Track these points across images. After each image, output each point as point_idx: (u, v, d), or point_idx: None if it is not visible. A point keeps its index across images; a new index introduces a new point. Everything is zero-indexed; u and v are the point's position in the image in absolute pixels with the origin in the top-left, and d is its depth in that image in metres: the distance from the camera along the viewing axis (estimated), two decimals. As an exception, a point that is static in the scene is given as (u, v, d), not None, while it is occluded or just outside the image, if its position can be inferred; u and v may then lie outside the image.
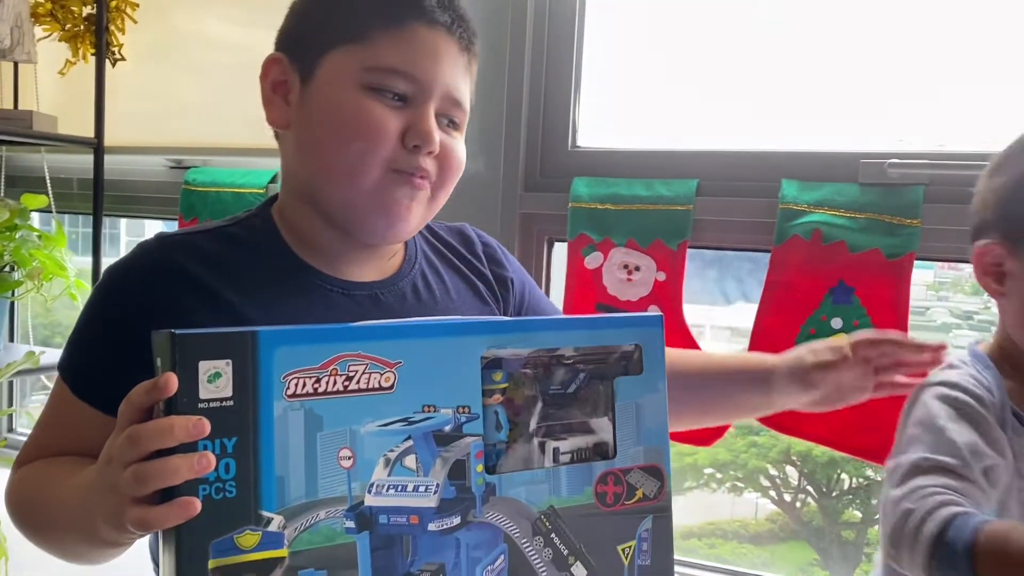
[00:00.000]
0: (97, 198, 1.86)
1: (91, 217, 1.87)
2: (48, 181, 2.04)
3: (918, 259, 1.23)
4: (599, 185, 1.43)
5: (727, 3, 1.48)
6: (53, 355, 1.79)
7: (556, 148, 1.52)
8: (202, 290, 0.80)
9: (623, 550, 0.73)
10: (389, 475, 0.64)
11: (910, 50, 1.34)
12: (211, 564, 0.57)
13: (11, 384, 2.28)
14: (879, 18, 1.36)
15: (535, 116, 1.53)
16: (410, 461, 0.64)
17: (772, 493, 2.18)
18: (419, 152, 0.82)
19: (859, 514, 2.07)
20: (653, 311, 1.39)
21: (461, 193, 1.52)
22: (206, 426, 0.57)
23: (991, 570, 0.72)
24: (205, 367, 0.58)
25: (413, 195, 0.84)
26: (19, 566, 1.66)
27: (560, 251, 1.53)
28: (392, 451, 0.64)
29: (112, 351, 0.78)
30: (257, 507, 0.59)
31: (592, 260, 1.42)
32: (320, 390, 0.61)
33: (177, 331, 0.58)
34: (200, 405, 0.58)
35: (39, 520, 0.77)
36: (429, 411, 0.65)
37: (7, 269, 1.78)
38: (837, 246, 1.27)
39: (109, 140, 1.86)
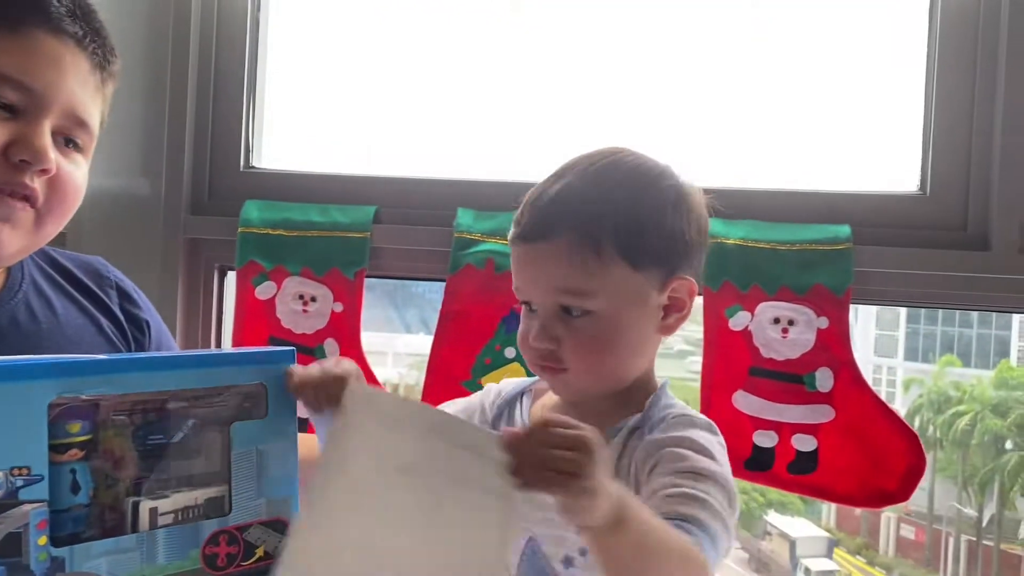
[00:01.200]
0: None
1: None
2: None
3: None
4: (272, 209, 1.32)
5: (408, 24, 1.45)
6: None
7: (227, 168, 1.40)
8: None
9: None
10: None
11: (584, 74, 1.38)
12: None
13: None
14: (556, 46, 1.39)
15: (203, 131, 1.39)
16: (-61, 541, 0.51)
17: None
18: (26, 169, 0.71)
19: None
20: (329, 347, 1.31)
21: (117, 215, 1.37)
22: None
23: None
24: None
25: (11, 216, 0.72)
26: None
27: (233, 280, 1.40)
28: (-89, 530, 0.50)
29: None
30: None
31: (264, 290, 1.31)
32: None
33: None
34: None
35: None
36: (-30, 476, 0.52)
37: None
38: (509, 275, 1.26)
39: None
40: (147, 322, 0.92)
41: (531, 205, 0.84)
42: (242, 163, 1.41)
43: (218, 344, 1.41)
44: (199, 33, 1.38)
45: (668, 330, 0.85)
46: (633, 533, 0.65)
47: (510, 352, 1.26)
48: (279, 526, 0.65)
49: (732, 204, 1.04)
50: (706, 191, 0.89)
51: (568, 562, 0.80)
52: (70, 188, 0.76)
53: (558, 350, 0.82)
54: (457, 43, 1.43)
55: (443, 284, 1.30)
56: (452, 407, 0.95)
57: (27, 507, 0.53)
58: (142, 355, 0.60)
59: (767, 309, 1.17)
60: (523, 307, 0.87)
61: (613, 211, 0.80)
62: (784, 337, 1.16)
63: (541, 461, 0.60)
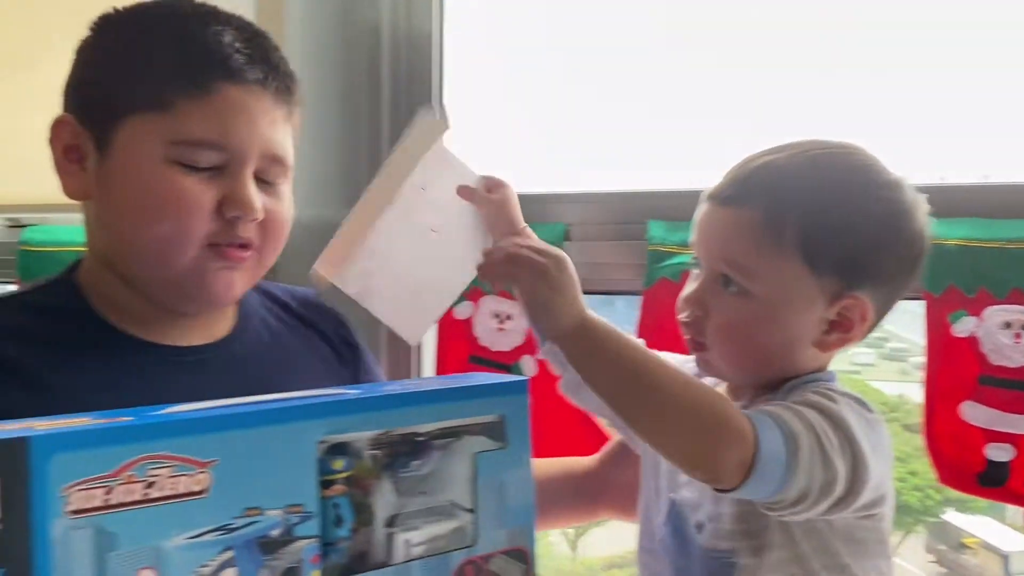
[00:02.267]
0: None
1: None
2: None
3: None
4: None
5: (587, 39, 1.44)
6: None
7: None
8: (5, 366, 0.69)
9: None
10: (203, 596, 0.53)
11: (771, 79, 1.33)
12: None
13: None
14: (753, 36, 1.35)
15: (397, 161, 1.44)
16: (229, 575, 0.54)
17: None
18: (239, 222, 0.74)
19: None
20: (526, 363, 1.32)
21: (321, 245, 1.45)
22: None
23: None
24: None
25: (237, 265, 0.76)
26: None
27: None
28: (206, 566, 0.53)
29: None
30: None
31: (462, 310, 1.34)
32: (112, 502, 0.51)
33: None
34: None
35: None
36: (252, 515, 0.55)
37: None
38: (707, 286, 1.23)
39: (-64, 201, 1.68)
40: (358, 346, 0.96)
41: (735, 168, 0.81)
42: (433, 188, 1.44)
43: (419, 368, 1.45)
44: (389, 65, 1.44)
45: (825, 347, 0.79)
46: (606, 351, 0.72)
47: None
48: (519, 555, 0.66)
49: (948, 201, 0.97)
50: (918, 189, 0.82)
51: (699, 527, 0.79)
52: (279, 223, 0.80)
53: (703, 321, 0.79)
54: (640, 48, 1.41)
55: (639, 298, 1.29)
56: None
57: (302, 543, 0.56)
58: (395, 392, 0.61)
59: (996, 313, 1.08)
60: (691, 271, 0.85)
61: (810, 201, 0.76)
62: (1017, 343, 1.06)
63: (515, 256, 0.74)
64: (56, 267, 1.61)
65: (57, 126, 0.76)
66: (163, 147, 0.71)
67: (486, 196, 0.95)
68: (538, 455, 0.69)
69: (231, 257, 0.75)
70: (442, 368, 1.37)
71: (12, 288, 1.66)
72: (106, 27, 0.77)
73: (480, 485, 0.64)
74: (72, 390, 0.71)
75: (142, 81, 0.72)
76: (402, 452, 0.62)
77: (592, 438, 1.30)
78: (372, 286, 0.93)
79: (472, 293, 1.33)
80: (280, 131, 0.77)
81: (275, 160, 0.77)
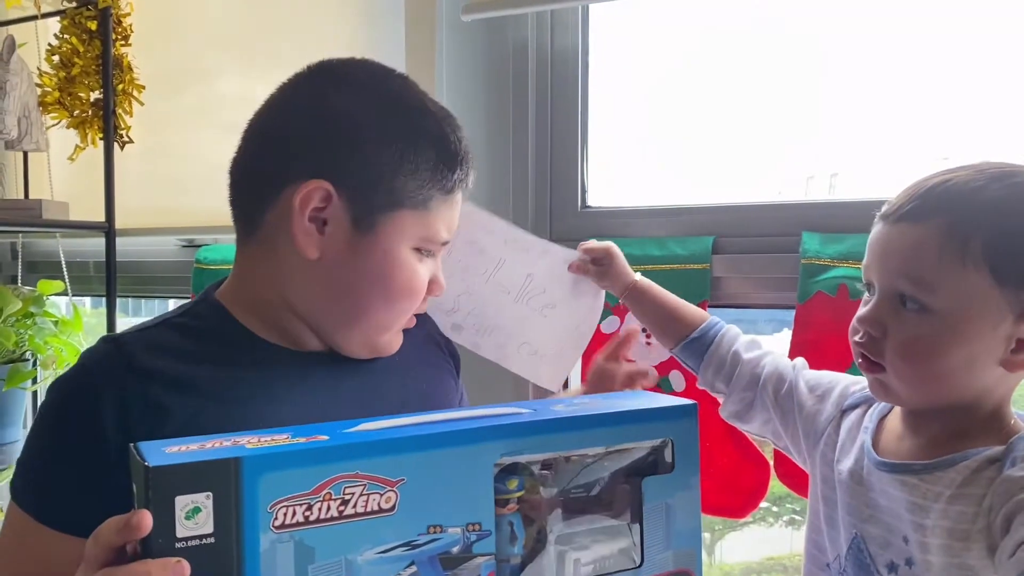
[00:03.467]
0: (110, 281, 1.82)
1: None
2: (64, 265, 2.02)
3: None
4: (613, 247, 1.36)
5: (730, 51, 1.43)
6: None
7: (566, 210, 1.47)
8: (173, 383, 0.75)
9: None
10: (391, 608, 0.57)
11: (928, 83, 1.27)
12: None
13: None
14: (894, 55, 1.30)
15: (542, 177, 1.47)
16: (414, 589, 0.58)
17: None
18: (428, 298, 0.87)
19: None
20: (674, 379, 1.31)
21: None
22: (185, 569, 0.51)
23: None
24: (183, 502, 0.52)
25: (409, 325, 0.88)
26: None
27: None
28: (394, 580, 0.57)
29: (81, 470, 0.72)
30: None
31: (608, 324, 1.35)
32: (312, 518, 0.55)
33: (151, 463, 0.52)
34: (178, 545, 0.52)
35: None
36: (435, 531, 0.58)
37: (26, 358, 1.75)
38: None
39: (121, 222, 1.83)
40: (456, 352, 1.05)
41: (912, 186, 0.78)
42: (579, 204, 1.46)
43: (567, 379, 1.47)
44: (535, 85, 1.47)
45: (1013, 367, 0.74)
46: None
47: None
48: (685, 577, 0.67)
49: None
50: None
51: (892, 568, 0.76)
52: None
53: (881, 341, 0.76)
54: (786, 60, 1.38)
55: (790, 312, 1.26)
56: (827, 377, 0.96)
57: (480, 559, 0.59)
58: (570, 415, 0.63)
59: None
60: (864, 294, 0.83)
61: (995, 212, 0.72)
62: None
63: None
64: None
65: (312, 191, 0.77)
66: (416, 240, 0.81)
67: (595, 268, 1.11)
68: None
69: (410, 324, 0.88)
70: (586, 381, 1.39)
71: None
72: (339, 92, 0.79)
73: (647, 508, 0.65)
74: (230, 394, 0.76)
75: (416, 184, 0.80)
76: (572, 472, 0.64)
77: (742, 457, 1.29)
78: (507, 353, 1.14)
79: (618, 307, 1.34)
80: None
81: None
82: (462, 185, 0.84)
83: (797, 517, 2.10)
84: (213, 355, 0.79)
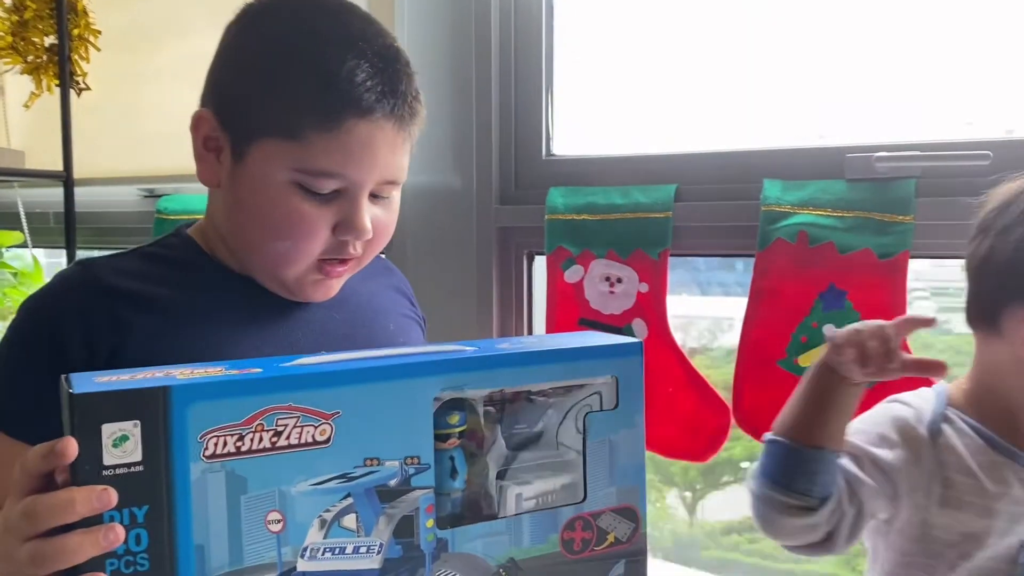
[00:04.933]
0: (69, 231, 1.79)
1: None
2: (23, 216, 1.97)
3: (912, 257, 1.15)
4: (575, 195, 1.35)
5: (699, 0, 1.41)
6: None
7: (530, 158, 1.45)
8: (137, 302, 0.77)
9: None
10: (325, 537, 0.56)
11: (896, 35, 1.26)
12: None
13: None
14: (861, 4, 1.28)
15: (507, 125, 1.45)
16: (349, 521, 0.57)
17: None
18: (349, 243, 0.79)
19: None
20: (637, 326, 1.31)
21: (434, 209, 1.48)
22: (112, 497, 0.50)
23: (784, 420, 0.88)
24: (109, 430, 0.50)
25: (342, 273, 0.82)
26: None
27: (541, 265, 1.46)
28: (328, 511, 0.56)
29: (42, 381, 0.71)
30: None
31: (572, 274, 1.35)
32: (244, 448, 0.54)
33: (75, 390, 0.50)
34: (105, 472, 0.50)
35: None
36: (372, 464, 0.57)
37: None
38: (825, 248, 1.19)
39: (79, 172, 1.79)
40: (424, 319, 1.01)
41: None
42: (544, 152, 1.45)
43: (530, 328, 1.47)
44: (499, 32, 1.44)
45: None
46: None
47: (829, 329, 1.19)
48: (628, 513, 0.66)
49: None
50: None
51: None
52: (386, 232, 0.83)
53: None
54: (756, 6, 1.36)
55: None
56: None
57: (419, 493, 0.59)
58: (514, 351, 0.62)
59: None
60: None
61: None
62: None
63: None
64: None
65: (199, 120, 0.79)
66: (289, 171, 0.75)
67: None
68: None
69: (333, 274, 0.81)
70: (552, 331, 1.38)
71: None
72: (250, 27, 0.80)
73: (590, 444, 0.64)
74: (193, 317, 0.78)
75: (280, 108, 0.74)
76: (515, 408, 0.64)
77: (702, 403, 1.29)
78: None
79: (582, 256, 1.33)
80: (400, 155, 0.79)
81: (389, 183, 0.80)
82: (354, 112, 0.74)
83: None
84: (178, 280, 0.80)
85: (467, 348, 0.63)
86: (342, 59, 0.74)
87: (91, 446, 0.50)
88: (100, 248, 2.10)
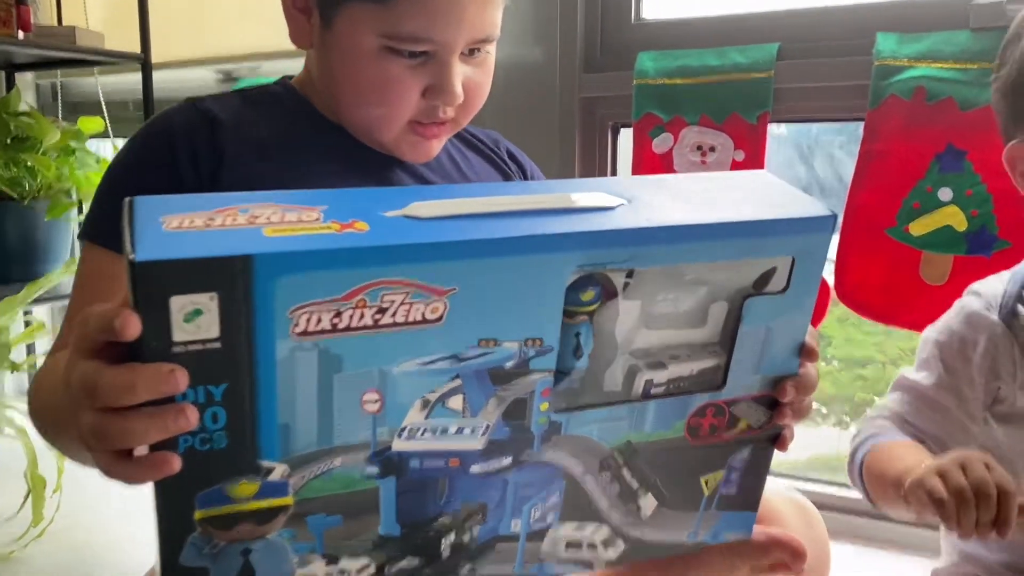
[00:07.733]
0: (148, 116, 1.69)
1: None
2: (103, 104, 1.88)
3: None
4: (666, 58, 1.19)
5: None
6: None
7: (618, 22, 1.28)
8: (238, 132, 0.74)
9: (706, 481, 0.56)
10: (426, 418, 0.46)
11: None
12: (198, 515, 0.44)
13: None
14: None
15: (592, -13, 1.27)
16: (455, 402, 0.46)
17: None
18: (440, 106, 0.74)
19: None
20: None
21: (515, 83, 1.32)
22: (181, 380, 0.40)
23: (869, 486, 0.79)
24: (179, 303, 0.39)
25: (438, 134, 0.78)
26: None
27: (627, 139, 1.30)
28: (433, 392, 0.46)
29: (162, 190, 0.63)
30: (254, 457, 0.43)
31: (661, 143, 1.20)
32: (341, 326, 0.43)
33: (138, 257, 0.38)
34: (175, 349, 0.40)
35: (44, 418, 0.65)
36: (487, 346, 0.46)
37: (68, 191, 1.65)
38: (944, 104, 1.02)
39: (157, 56, 1.68)
40: (519, 158, 0.92)
41: None
42: (633, 15, 1.27)
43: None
44: None
45: None
46: None
47: (945, 194, 1.04)
48: (768, 401, 0.55)
49: None
50: None
51: None
52: (480, 93, 0.77)
53: None
54: None
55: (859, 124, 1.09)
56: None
57: (535, 376, 0.48)
58: (666, 225, 0.47)
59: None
60: None
61: None
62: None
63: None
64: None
65: None
66: (377, 37, 0.71)
67: None
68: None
69: (429, 136, 0.76)
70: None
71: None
72: None
73: (743, 330, 0.51)
74: (290, 156, 0.75)
75: None
76: (662, 285, 0.51)
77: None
78: None
79: (672, 123, 1.18)
80: (490, 9, 0.73)
81: (484, 40, 0.74)
82: None
83: (846, 418, 1.99)
84: (279, 121, 0.78)
85: (615, 201, 0.48)
86: None
87: (158, 320, 0.39)
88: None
